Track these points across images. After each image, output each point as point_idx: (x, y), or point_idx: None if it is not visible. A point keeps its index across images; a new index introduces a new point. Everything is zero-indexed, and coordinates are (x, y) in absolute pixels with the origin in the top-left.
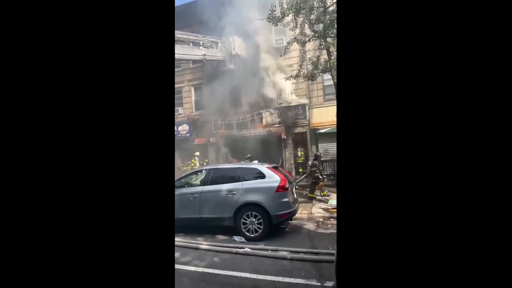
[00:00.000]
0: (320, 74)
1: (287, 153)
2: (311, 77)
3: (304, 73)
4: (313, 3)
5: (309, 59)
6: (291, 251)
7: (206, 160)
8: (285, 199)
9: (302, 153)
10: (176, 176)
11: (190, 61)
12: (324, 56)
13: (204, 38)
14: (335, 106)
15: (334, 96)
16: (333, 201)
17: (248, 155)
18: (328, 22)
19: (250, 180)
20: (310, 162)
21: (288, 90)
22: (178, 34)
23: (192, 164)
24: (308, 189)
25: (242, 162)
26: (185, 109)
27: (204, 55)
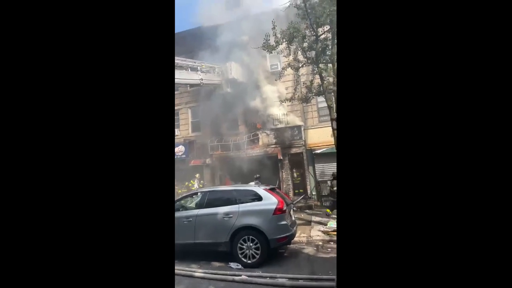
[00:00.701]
0: (314, 96)
1: (284, 173)
2: (305, 99)
3: (298, 96)
4: (306, 32)
5: (303, 83)
6: (290, 278)
7: (202, 181)
8: (283, 222)
9: (298, 173)
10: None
11: (188, 85)
12: (317, 80)
13: (202, 64)
14: (330, 127)
15: (329, 118)
16: (332, 223)
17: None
18: (320, 49)
19: (247, 202)
20: (329, 182)
21: (284, 112)
22: (176, 60)
23: (190, 185)
24: (306, 210)
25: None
26: (181, 130)
27: (202, 79)
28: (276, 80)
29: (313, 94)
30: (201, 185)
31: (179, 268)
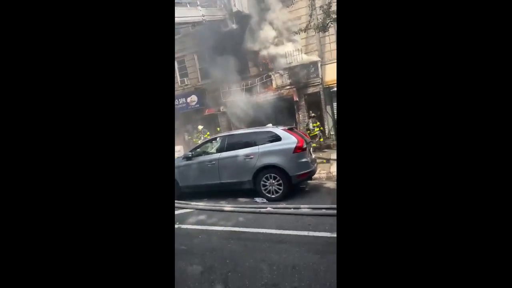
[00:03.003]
0: (333, 23)
1: (300, 115)
2: (322, 28)
3: (314, 24)
4: None
5: (320, 8)
6: (313, 208)
7: (218, 128)
8: (304, 159)
9: (316, 123)
10: (190, 148)
11: (190, 26)
12: (336, 2)
13: None
14: None
15: None
16: None
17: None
18: None
19: (266, 143)
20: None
21: (298, 47)
22: None
23: (206, 136)
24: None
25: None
26: (190, 79)
27: (203, 16)
28: (287, 6)
29: (332, 20)
30: (207, 135)
31: (210, 204)
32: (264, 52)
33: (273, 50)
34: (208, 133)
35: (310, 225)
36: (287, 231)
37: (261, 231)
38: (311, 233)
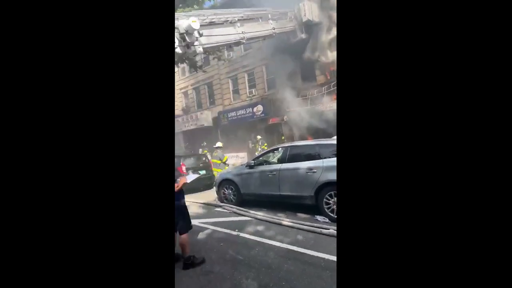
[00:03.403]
0: None
1: None
2: None
3: None
4: None
5: None
6: None
7: (283, 137)
8: None
9: None
10: (254, 155)
11: (260, 39)
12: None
13: (274, 11)
14: None
15: None
16: None
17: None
18: None
19: (332, 157)
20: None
21: None
22: (246, 12)
23: (264, 147)
24: None
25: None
26: (258, 89)
27: (274, 29)
28: None
29: None
30: (264, 146)
31: (269, 216)
32: (331, 59)
33: None
34: (266, 144)
35: None
36: None
37: (322, 256)
38: None
